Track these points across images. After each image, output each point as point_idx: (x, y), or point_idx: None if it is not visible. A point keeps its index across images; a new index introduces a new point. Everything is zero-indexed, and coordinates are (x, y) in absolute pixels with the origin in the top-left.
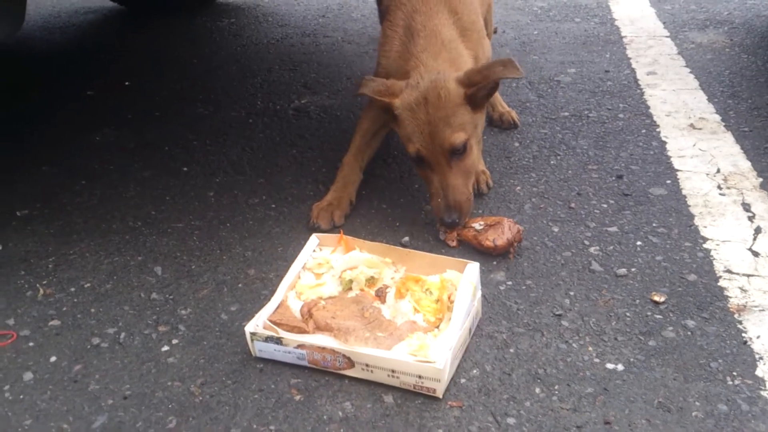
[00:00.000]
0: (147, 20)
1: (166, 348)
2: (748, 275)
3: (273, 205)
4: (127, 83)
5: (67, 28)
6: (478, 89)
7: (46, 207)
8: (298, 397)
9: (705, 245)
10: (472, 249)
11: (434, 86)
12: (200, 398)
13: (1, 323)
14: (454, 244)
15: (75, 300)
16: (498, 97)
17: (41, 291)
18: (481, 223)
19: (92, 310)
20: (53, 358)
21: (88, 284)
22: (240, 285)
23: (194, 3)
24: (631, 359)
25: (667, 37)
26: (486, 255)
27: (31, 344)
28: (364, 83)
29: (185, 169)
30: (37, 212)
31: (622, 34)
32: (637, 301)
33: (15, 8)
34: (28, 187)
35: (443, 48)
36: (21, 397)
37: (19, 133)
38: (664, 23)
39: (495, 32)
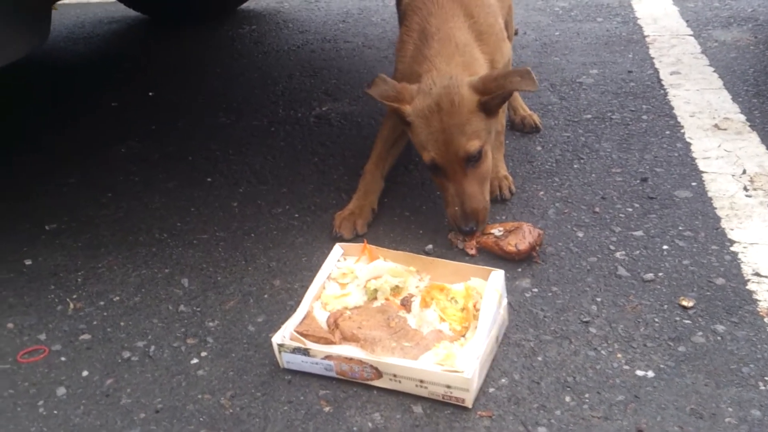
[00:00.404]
0: (170, 29)
1: (195, 361)
2: None
3: (296, 215)
4: (150, 93)
5: (91, 39)
6: (493, 98)
7: (74, 220)
8: (327, 409)
9: (732, 248)
10: (493, 256)
11: (447, 93)
12: (231, 411)
13: (33, 338)
14: (473, 252)
15: (105, 314)
16: (519, 100)
17: (71, 305)
18: (500, 228)
19: (122, 323)
20: (85, 373)
21: (117, 297)
22: (266, 296)
23: (216, 11)
24: (662, 365)
25: (690, 35)
26: (509, 261)
27: (63, 359)
28: (375, 83)
29: (209, 179)
30: (65, 225)
31: (645, 33)
32: (666, 306)
33: (41, 21)
34: (56, 201)
35: (457, 52)
36: (55, 412)
37: (44, 145)
38: (687, 21)
39: (516, 34)
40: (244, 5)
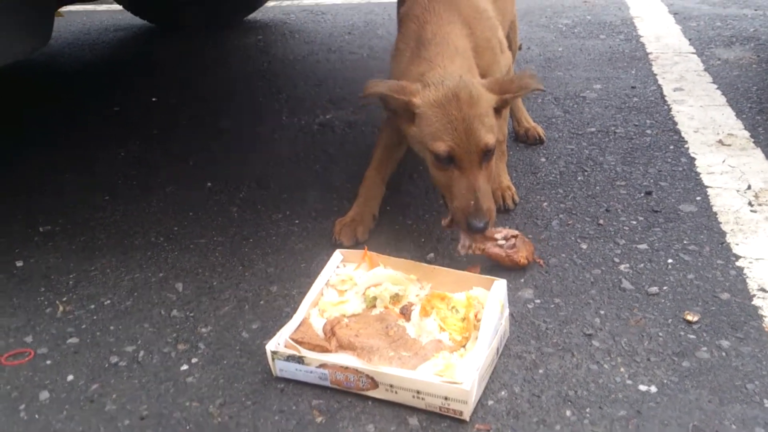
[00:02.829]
0: (176, 37)
1: (185, 367)
2: None
3: (297, 221)
4: (154, 99)
5: (97, 45)
6: (509, 98)
7: (69, 222)
8: (319, 419)
9: (738, 263)
10: (489, 262)
11: (465, 85)
12: (219, 419)
13: (19, 341)
14: (463, 253)
15: (94, 317)
16: (524, 112)
17: (60, 308)
18: (503, 235)
19: (111, 327)
20: (70, 377)
21: (108, 301)
22: (262, 302)
23: (222, 20)
24: (665, 381)
25: (693, 53)
26: (510, 270)
27: (48, 362)
28: (372, 84)
29: (209, 184)
30: (60, 228)
31: (648, 50)
32: (670, 320)
33: (42, 23)
34: (52, 202)
35: (457, 54)
36: (36, 416)
37: (44, 148)
38: (689, 40)
39: (520, 49)
40: (251, 16)
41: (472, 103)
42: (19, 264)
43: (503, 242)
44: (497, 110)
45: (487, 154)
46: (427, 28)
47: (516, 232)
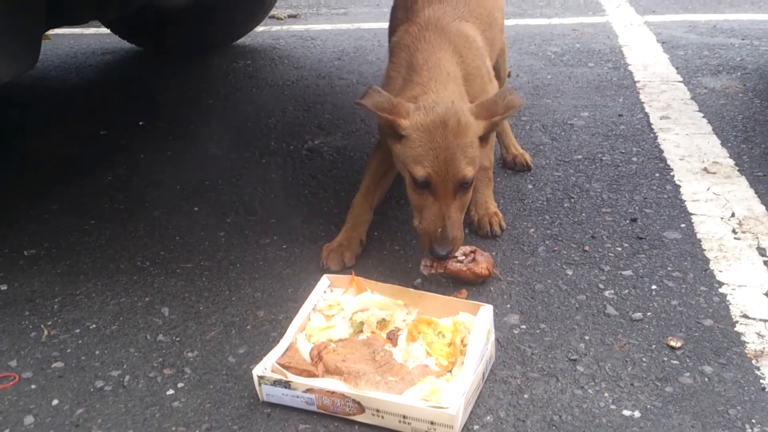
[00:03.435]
0: (164, 61)
1: (171, 392)
2: (765, 320)
3: (284, 246)
4: (141, 123)
5: (84, 69)
6: (498, 121)
7: (54, 246)
8: None
9: (721, 290)
10: (452, 279)
11: (454, 113)
12: None
13: (4, 365)
14: (426, 273)
15: (79, 341)
16: (512, 139)
17: (45, 332)
18: (461, 252)
19: (97, 352)
20: (55, 402)
21: (94, 325)
22: (249, 327)
23: (211, 45)
24: (648, 406)
25: (680, 82)
26: (470, 284)
27: (33, 387)
28: (369, 94)
29: (196, 208)
30: (45, 252)
31: (636, 79)
32: (653, 346)
33: (30, 45)
34: (37, 227)
35: (450, 80)
36: None
37: (30, 171)
38: (677, 68)
39: (509, 76)
40: (240, 41)
41: (459, 133)
42: (3, 288)
43: (462, 258)
44: (484, 138)
45: (464, 185)
46: (418, 56)
47: (473, 247)
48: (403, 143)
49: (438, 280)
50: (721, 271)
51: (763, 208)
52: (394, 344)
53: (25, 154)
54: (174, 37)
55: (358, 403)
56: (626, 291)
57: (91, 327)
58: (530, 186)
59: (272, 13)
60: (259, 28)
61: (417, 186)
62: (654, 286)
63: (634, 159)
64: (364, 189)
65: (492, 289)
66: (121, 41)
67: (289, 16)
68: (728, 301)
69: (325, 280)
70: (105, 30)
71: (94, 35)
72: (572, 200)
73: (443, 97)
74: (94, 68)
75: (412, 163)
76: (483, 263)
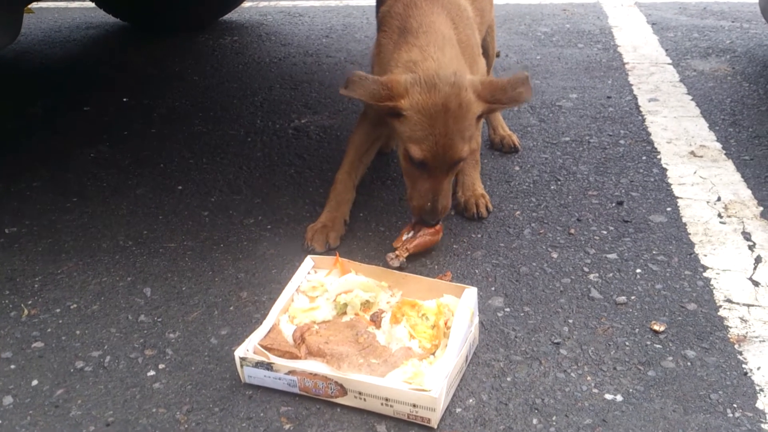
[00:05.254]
0: (150, 37)
1: (152, 373)
2: (749, 305)
3: (269, 226)
4: (125, 99)
5: (68, 43)
6: (498, 108)
7: (35, 224)
8: (287, 426)
9: (705, 274)
10: (422, 260)
11: (456, 93)
12: (186, 426)
13: None
14: (396, 264)
15: (60, 321)
16: (500, 120)
17: (25, 311)
18: (409, 231)
19: (77, 332)
20: (35, 382)
21: (75, 305)
22: (231, 308)
23: (198, 21)
24: (630, 390)
25: (669, 64)
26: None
27: (12, 367)
28: (352, 82)
29: (180, 187)
30: (26, 230)
31: (625, 60)
32: (637, 330)
33: (10, 20)
34: (18, 204)
35: (446, 42)
36: (0, 422)
37: (11, 147)
38: (666, 50)
39: (498, 56)
40: (226, 16)
41: (459, 117)
42: None
43: (413, 233)
44: (480, 117)
45: (458, 163)
46: (411, 21)
47: (408, 225)
48: (402, 121)
49: (422, 261)
50: (705, 255)
51: (749, 192)
52: (378, 326)
53: (6, 130)
54: (159, 12)
55: (341, 386)
56: (611, 274)
57: (72, 307)
58: (517, 168)
59: None
60: (246, 4)
61: (410, 163)
62: (638, 270)
63: (622, 141)
64: (347, 165)
65: (477, 271)
66: (106, 16)
67: None
68: (712, 285)
69: (309, 260)
70: (90, 4)
71: (78, 9)
72: (559, 183)
73: (443, 64)
74: (78, 43)
75: (410, 143)
76: (429, 228)
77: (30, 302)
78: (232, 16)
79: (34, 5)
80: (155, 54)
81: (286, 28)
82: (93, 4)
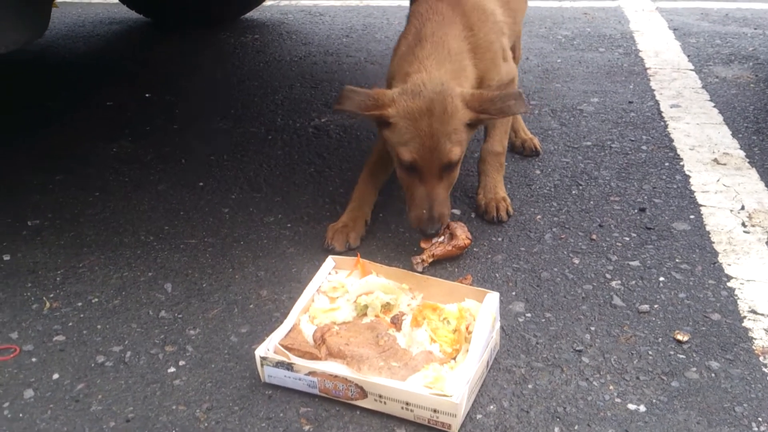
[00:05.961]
0: (171, 33)
1: (172, 369)
2: None
3: (288, 225)
4: (147, 95)
5: (91, 38)
6: (484, 118)
7: (58, 218)
8: (307, 428)
9: (729, 284)
10: (443, 263)
11: (440, 99)
12: (205, 424)
13: (5, 336)
14: (420, 269)
15: (81, 315)
16: (521, 123)
17: (47, 304)
18: (441, 236)
19: (98, 326)
20: (56, 376)
21: (96, 299)
22: (251, 306)
23: (219, 18)
24: (654, 400)
25: (691, 70)
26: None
27: (33, 360)
28: (345, 96)
29: (201, 183)
30: (48, 222)
31: (647, 65)
32: (660, 339)
33: (39, 14)
34: (41, 197)
35: (448, 58)
36: (20, 415)
37: (35, 141)
38: (688, 56)
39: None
40: (248, 15)
41: (444, 120)
42: (6, 258)
43: (443, 238)
44: (472, 125)
45: (448, 166)
46: (428, 26)
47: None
48: (390, 129)
49: (444, 264)
50: (729, 265)
51: None
52: (398, 329)
53: (29, 123)
54: (182, 9)
55: (361, 388)
56: (633, 282)
57: (93, 301)
58: (538, 171)
59: None
60: (267, 2)
61: (403, 169)
62: (661, 278)
63: (644, 147)
64: (371, 166)
65: (497, 275)
66: (129, 11)
67: None
68: (736, 295)
69: (330, 261)
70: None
71: (101, 4)
72: (580, 187)
73: (434, 77)
74: (101, 38)
75: (400, 148)
76: (461, 235)
77: (52, 295)
78: (254, 14)
79: (59, 0)
80: (177, 51)
81: (306, 27)
82: (116, 0)
